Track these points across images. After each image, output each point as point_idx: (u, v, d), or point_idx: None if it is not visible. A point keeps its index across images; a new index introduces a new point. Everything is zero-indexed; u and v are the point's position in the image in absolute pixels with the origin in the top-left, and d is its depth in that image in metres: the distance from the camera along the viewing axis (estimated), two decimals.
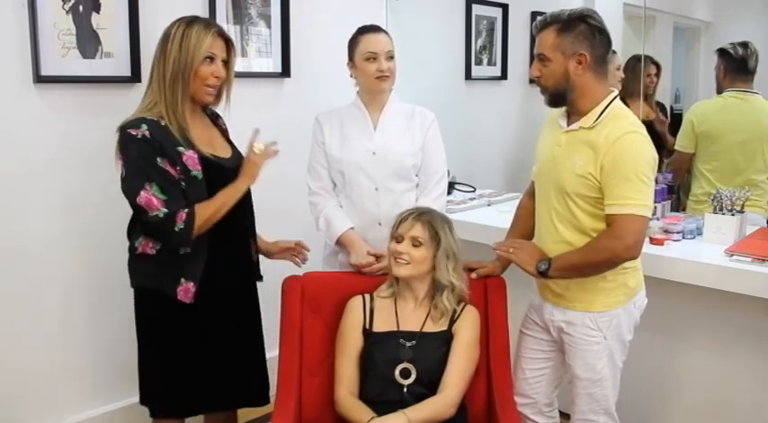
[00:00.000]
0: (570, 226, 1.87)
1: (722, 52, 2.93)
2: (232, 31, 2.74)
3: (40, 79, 2.22)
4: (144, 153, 1.76)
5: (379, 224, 2.21)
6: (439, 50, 3.66)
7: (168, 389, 1.94)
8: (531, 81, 1.97)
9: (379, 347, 1.91)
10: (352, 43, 2.23)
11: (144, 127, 1.76)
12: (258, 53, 2.84)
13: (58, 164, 2.32)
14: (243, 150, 1.96)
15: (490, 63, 3.88)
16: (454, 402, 1.85)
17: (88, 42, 2.32)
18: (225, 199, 1.85)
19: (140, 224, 1.86)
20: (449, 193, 3.22)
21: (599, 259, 1.80)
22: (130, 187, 1.77)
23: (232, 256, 1.97)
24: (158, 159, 1.76)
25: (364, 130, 2.25)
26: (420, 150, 2.26)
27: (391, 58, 2.21)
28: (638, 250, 1.77)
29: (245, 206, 1.98)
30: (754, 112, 2.80)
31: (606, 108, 1.81)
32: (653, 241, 2.33)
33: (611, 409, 1.98)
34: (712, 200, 2.38)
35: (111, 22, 2.36)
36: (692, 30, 3.68)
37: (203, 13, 2.63)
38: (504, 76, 4.02)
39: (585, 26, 1.79)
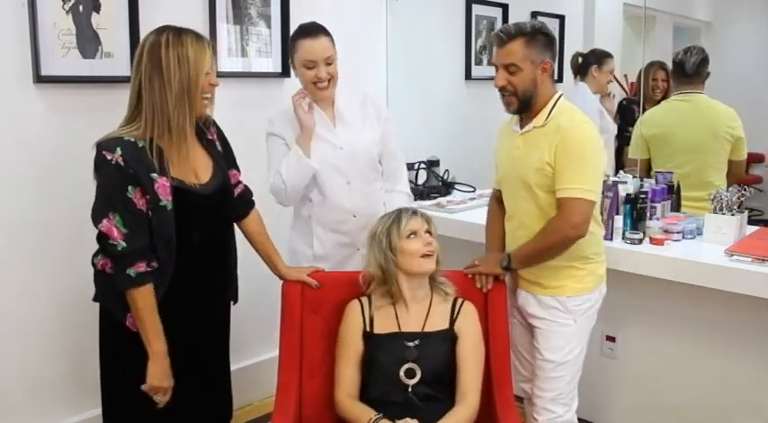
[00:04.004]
0: (541, 220, 1.97)
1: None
2: (232, 31, 2.74)
3: (40, 79, 2.22)
4: (114, 180, 1.69)
5: (354, 216, 2.24)
6: (439, 50, 3.66)
7: (124, 410, 1.85)
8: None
9: (382, 349, 1.91)
10: (292, 45, 2.17)
11: (119, 152, 1.68)
12: (258, 53, 2.84)
13: (58, 164, 2.32)
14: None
15: (490, 63, 3.87)
16: (477, 407, 1.89)
17: (88, 42, 2.32)
18: (146, 327, 1.73)
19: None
20: (449, 193, 3.24)
21: (551, 241, 1.93)
22: (95, 213, 1.71)
23: (201, 293, 1.84)
24: (129, 188, 1.69)
25: (325, 126, 2.22)
26: (381, 138, 2.27)
27: (330, 63, 2.14)
28: (583, 229, 1.90)
29: (225, 241, 1.92)
30: (698, 111, 2.85)
31: (554, 106, 1.96)
32: (653, 241, 2.33)
33: (569, 398, 2.06)
34: (712, 200, 2.38)
35: (111, 22, 2.36)
36: (692, 30, 3.67)
37: (203, 12, 2.64)
38: None
39: (545, 37, 1.94)
